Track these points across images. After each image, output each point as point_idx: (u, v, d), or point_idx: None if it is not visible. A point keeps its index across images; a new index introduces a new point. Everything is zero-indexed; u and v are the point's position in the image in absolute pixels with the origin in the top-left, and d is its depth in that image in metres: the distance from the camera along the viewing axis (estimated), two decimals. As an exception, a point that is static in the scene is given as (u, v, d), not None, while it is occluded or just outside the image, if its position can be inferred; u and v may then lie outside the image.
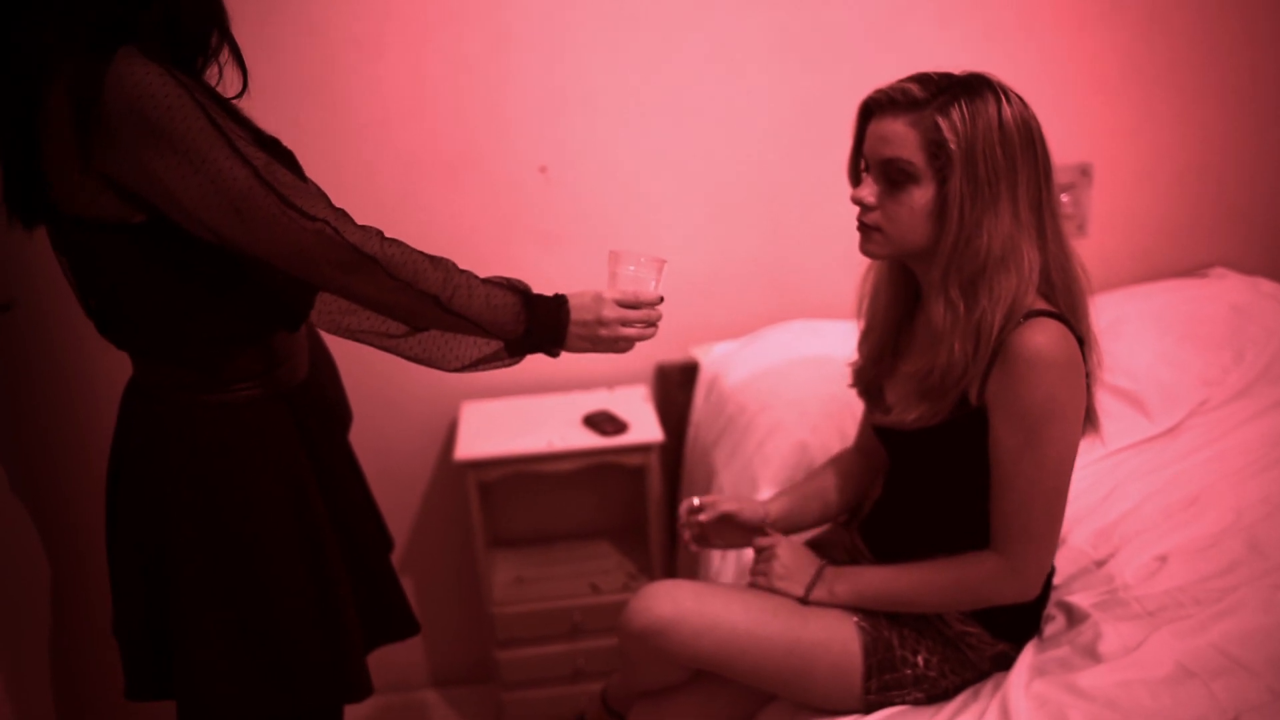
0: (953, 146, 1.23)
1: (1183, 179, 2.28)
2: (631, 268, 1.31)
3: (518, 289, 1.24)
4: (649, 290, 1.32)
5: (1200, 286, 2.20)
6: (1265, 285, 2.19)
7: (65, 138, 1.05)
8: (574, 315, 1.26)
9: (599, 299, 1.28)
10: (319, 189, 1.14)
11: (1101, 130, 2.21)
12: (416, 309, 1.17)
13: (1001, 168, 1.24)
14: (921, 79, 1.28)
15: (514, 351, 1.26)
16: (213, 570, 1.23)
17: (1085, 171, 2.22)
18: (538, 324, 1.23)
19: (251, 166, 1.06)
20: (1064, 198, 2.22)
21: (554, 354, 1.28)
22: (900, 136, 1.27)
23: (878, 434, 1.49)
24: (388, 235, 1.15)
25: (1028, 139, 1.26)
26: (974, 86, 1.26)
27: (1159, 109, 2.22)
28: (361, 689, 1.34)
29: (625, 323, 1.29)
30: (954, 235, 1.26)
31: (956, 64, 1.31)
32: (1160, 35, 2.16)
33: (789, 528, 1.58)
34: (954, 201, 1.25)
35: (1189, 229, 2.32)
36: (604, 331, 1.28)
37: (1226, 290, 2.17)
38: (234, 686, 1.25)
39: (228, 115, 1.12)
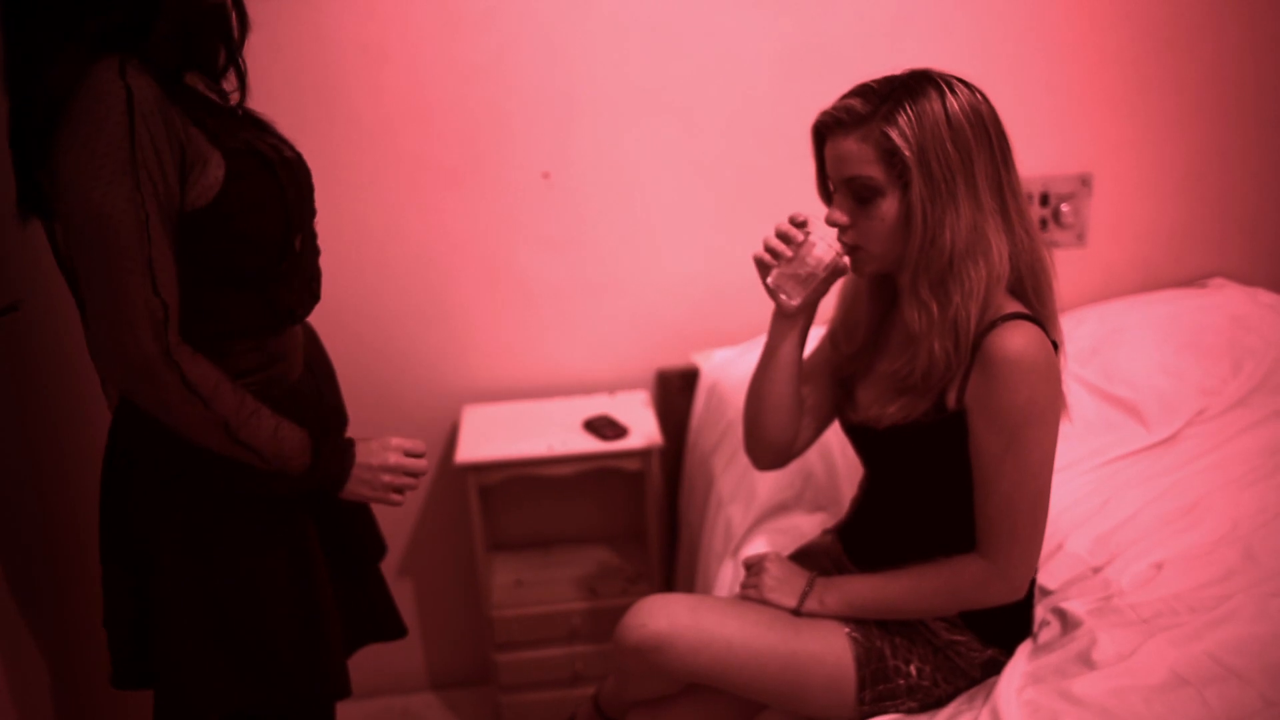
0: (906, 153, 1.23)
1: (1183, 189, 2.29)
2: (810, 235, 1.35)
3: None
4: None
5: (1199, 297, 2.21)
6: (1264, 296, 2.20)
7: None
8: (359, 459, 1.28)
9: (386, 445, 1.30)
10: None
11: (1102, 141, 2.22)
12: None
13: (955, 162, 1.24)
14: (862, 92, 1.28)
15: (291, 490, 1.26)
16: (193, 562, 1.24)
17: (1085, 181, 2.23)
18: (322, 463, 1.24)
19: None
20: (1064, 207, 2.23)
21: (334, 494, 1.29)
22: (855, 154, 1.27)
23: (851, 436, 1.50)
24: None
25: (979, 125, 1.25)
26: (914, 87, 1.25)
27: (1159, 120, 2.23)
28: (339, 686, 1.34)
29: (407, 471, 1.31)
30: (919, 238, 1.26)
31: (960, 74, 1.31)
32: (1160, 46, 2.17)
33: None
34: (916, 205, 1.25)
35: (1189, 239, 2.33)
36: (387, 478, 1.30)
37: (1226, 301, 2.17)
38: (210, 678, 1.26)
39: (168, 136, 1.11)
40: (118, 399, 1.25)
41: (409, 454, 1.32)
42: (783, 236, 1.36)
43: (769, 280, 1.39)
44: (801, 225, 1.35)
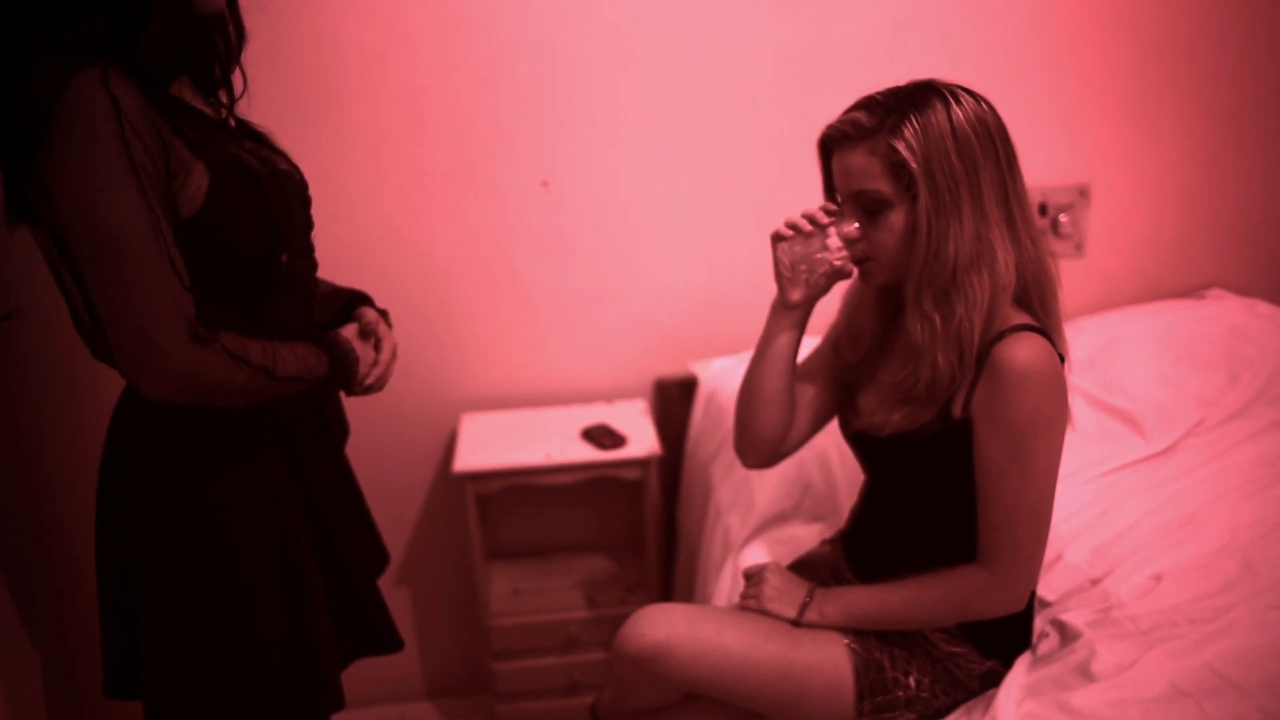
0: (913, 165, 1.23)
1: (1180, 200, 2.30)
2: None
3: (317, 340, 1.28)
4: None
5: (1197, 307, 2.21)
6: (1262, 307, 2.20)
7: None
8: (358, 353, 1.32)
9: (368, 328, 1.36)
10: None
11: (1100, 151, 2.23)
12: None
13: (960, 173, 1.24)
14: (867, 104, 1.28)
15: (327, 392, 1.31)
16: (182, 573, 1.23)
17: (1083, 192, 2.24)
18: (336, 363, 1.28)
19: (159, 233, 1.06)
20: (1062, 217, 2.24)
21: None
22: (863, 168, 1.28)
23: (852, 443, 1.50)
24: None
25: (985, 135, 1.25)
26: (920, 98, 1.26)
27: (1157, 130, 2.24)
28: (331, 700, 1.33)
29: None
30: (924, 249, 1.26)
31: (959, 83, 1.31)
32: (1158, 57, 2.18)
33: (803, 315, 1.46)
34: (922, 217, 1.25)
35: (1186, 250, 2.33)
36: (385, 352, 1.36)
37: (1223, 311, 2.18)
38: (199, 690, 1.25)
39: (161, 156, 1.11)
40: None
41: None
42: (809, 218, 1.36)
43: (778, 250, 1.39)
44: (832, 214, 1.36)
